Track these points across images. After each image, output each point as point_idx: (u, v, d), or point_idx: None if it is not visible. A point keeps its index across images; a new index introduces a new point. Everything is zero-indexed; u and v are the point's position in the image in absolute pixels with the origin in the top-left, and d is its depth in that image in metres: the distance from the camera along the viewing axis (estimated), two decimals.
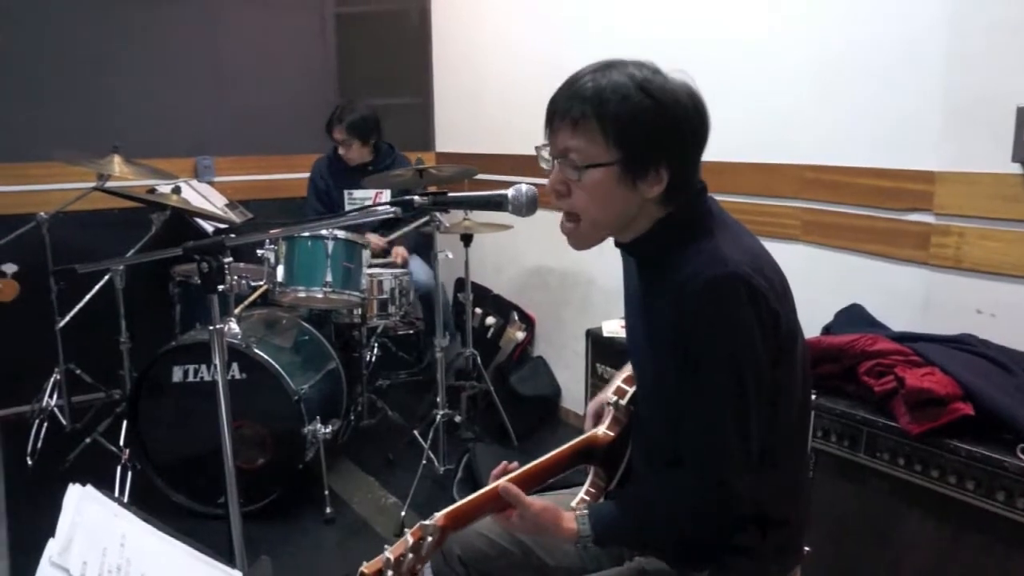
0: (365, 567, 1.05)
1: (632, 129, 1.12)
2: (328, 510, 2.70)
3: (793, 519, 1.28)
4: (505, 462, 1.28)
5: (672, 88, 1.14)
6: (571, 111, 1.15)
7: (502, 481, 1.20)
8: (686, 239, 1.17)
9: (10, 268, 2.43)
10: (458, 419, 3.07)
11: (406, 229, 3.24)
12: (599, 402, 1.46)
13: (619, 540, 1.25)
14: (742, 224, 1.25)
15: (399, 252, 3.47)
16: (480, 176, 3.20)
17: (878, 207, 2.26)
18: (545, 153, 1.21)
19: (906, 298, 2.19)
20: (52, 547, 0.93)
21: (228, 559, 1.24)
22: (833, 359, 1.97)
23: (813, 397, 1.83)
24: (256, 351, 2.59)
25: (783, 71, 2.49)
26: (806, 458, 1.32)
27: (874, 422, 1.84)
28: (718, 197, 1.27)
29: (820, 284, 2.31)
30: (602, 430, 1.31)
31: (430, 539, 1.10)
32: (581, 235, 1.22)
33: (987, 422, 1.70)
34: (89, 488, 1.09)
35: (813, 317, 2.07)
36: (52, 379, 3.13)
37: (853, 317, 2.22)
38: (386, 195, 3.25)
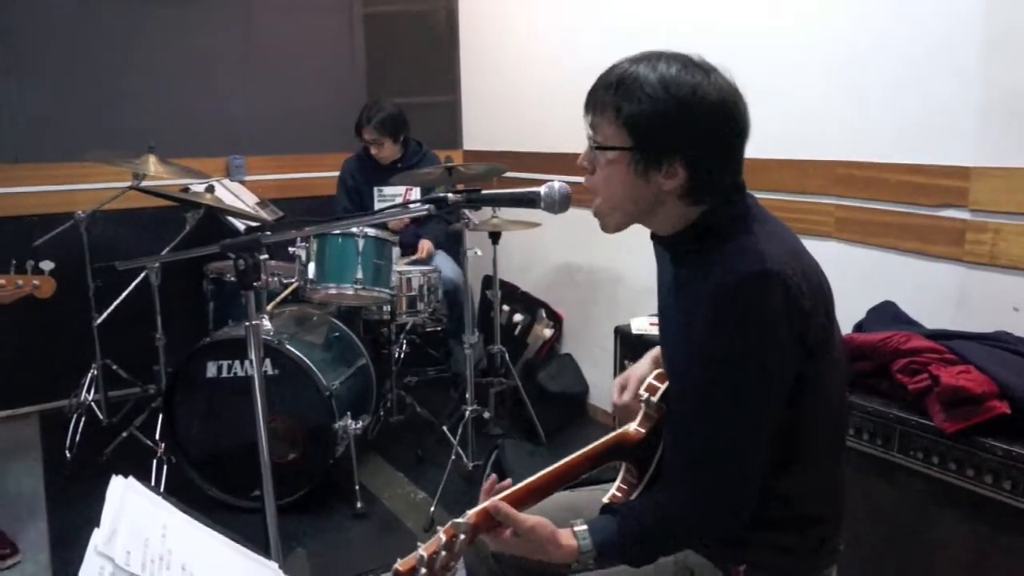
0: (399, 564, 1.06)
1: (643, 121, 1.14)
2: (359, 505, 2.73)
3: (830, 517, 1.27)
4: (494, 476, 1.25)
5: (697, 85, 1.13)
6: (596, 94, 1.19)
7: (493, 500, 1.17)
8: (724, 236, 1.17)
9: (47, 265, 2.48)
10: (486, 415, 3.08)
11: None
12: (625, 376, 1.47)
13: (622, 555, 1.20)
14: (783, 222, 1.25)
15: (424, 245, 3.49)
16: (508, 174, 3.21)
17: (911, 203, 2.23)
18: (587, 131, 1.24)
19: (940, 295, 2.16)
20: (97, 537, 0.95)
21: (263, 551, 1.26)
22: (866, 357, 1.95)
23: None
24: (288, 347, 2.63)
25: (813, 65, 2.47)
26: (843, 456, 1.31)
27: (908, 420, 1.82)
28: None
29: (852, 281, 2.29)
30: (633, 427, 1.31)
31: (462, 537, 1.11)
32: (600, 213, 1.24)
33: None
34: (131, 480, 1.12)
35: (845, 314, 2.03)
36: (90, 374, 3.20)
37: (886, 314, 2.19)
38: (415, 192, 3.27)
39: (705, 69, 1.16)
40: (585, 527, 1.18)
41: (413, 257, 3.47)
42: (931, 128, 2.16)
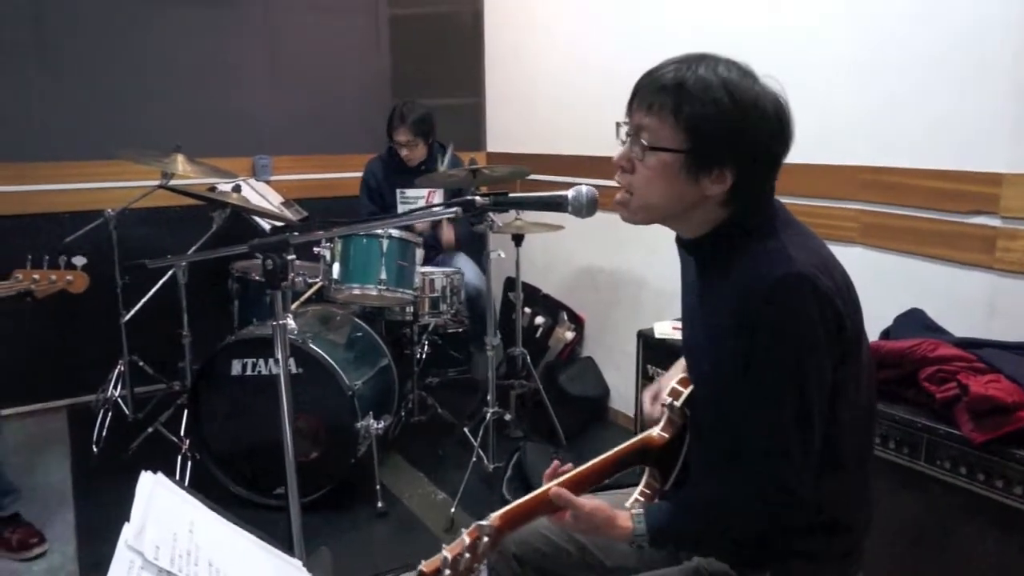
0: (424, 566, 1.07)
1: (704, 125, 1.12)
2: (380, 504, 2.75)
3: (858, 525, 1.27)
4: (556, 461, 1.28)
5: (756, 93, 1.14)
6: (649, 96, 1.16)
7: (553, 486, 1.21)
8: (751, 239, 1.17)
9: (80, 261, 2.53)
10: (507, 417, 3.08)
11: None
12: (656, 386, 1.47)
13: (674, 541, 1.25)
14: (808, 227, 1.24)
15: (448, 235, 3.51)
16: (531, 176, 3.21)
17: (940, 209, 2.20)
18: (623, 130, 1.22)
19: (970, 303, 2.14)
20: (127, 531, 0.96)
21: (286, 549, 1.27)
22: (893, 364, 1.93)
23: None
24: (312, 347, 2.65)
25: (839, 68, 2.45)
26: (871, 463, 1.30)
27: (935, 429, 1.80)
28: None
29: (879, 288, 2.26)
30: (657, 432, 1.32)
31: (486, 539, 1.11)
32: (631, 209, 1.23)
33: None
34: (160, 476, 1.13)
35: (871, 322, 2.01)
36: (116, 370, 3.24)
37: (913, 322, 2.17)
38: (439, 194, 3.28)
39: (753, 76, 1.16)
40: (641, 511, 1.21)
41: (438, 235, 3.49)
42: (961, 133, 2.14)
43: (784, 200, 1.26)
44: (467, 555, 1.09)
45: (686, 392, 1.31)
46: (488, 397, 2.90)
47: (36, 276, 2.41)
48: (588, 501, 1.20)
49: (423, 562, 1.08)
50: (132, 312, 3.11)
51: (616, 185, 1.24)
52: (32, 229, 3.41)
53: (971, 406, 1.72)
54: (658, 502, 1.26)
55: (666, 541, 1.23)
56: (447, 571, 1.07)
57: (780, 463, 1.15)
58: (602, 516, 1.20)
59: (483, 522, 1.13)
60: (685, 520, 1.21)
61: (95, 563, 2.43)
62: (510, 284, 3.93)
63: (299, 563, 1.22)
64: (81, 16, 3.46)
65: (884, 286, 2.30)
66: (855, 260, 2.37)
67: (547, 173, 3.62)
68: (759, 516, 1.19)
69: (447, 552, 1.08)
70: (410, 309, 3.16)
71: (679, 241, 1.29)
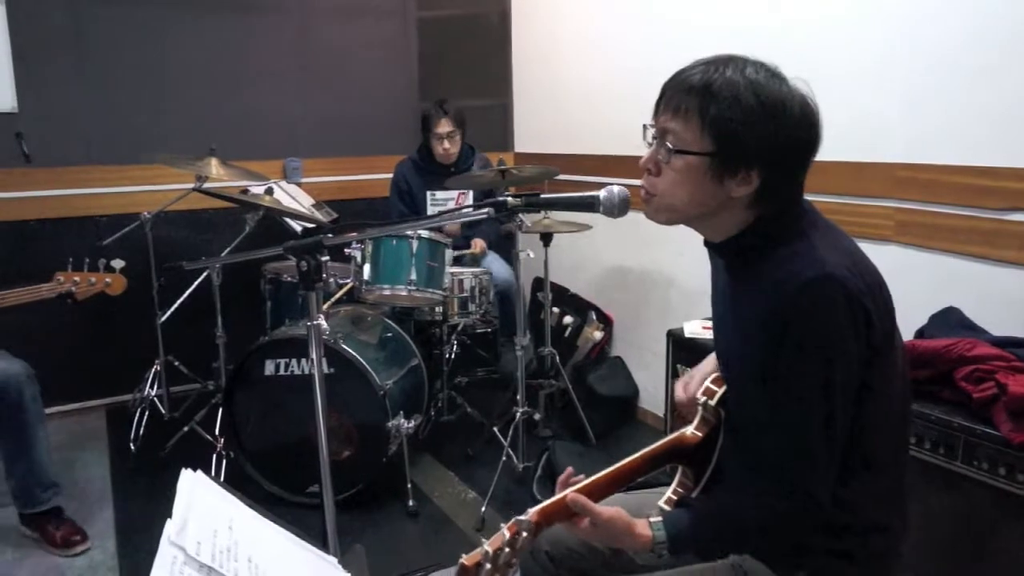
0: (465, 559, 1.08)
1: (730, 127, 1.12)
2: (411, 503, 2.77)
3: (894, 526, 1.25)
4: (570, 469, 1.26)
5: (784, 95, 1.13)
6: (676, 99, 1.16)
7: (571, 492, 1.19)
8: (780, 241, 1.16)
9: (118, 264, 2.59)
10: (537, 417, 3.09)
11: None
12: (688, 374, 1.47)
13: (695, 548, 1.22)
14: (838, 227, 1.23)
15: (478, 243, 3.52)
16: (559, 176, 3.21)
17: (977, 206, 2.17)
18: (650, 133, 1.22)
19: (1007, 301, 2.10)
20: (170, 527, 0.99)
21: (320, 546, 1.29)
22: (928, 364, 1.91)
23: None
24: (344, 347, 2.68)
25: (872, 64, 2.42)
26: (906, 464, 1.29)
27: (972, 429, 1.77)
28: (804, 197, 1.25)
29: (914, 286, 2.24)
30: (690, 430, 1.31)
31: (525, 534, 1.12)
32: (654, 208, 1.23)
33: None
34: (199, 473, 1.16)
35: (906, 320, 1.99)
36: (153, 370, 3.30)
37: (949, 321, 2.14)
38: (469, 196, 3.30)
39: (781, 77, 1.15)
40: (660, 518, 1.19)
41: (467, 252, 3.50)
42: (999, 129, 2.10)
43: (816, 198, 1.25)
44: (507, 549, 1.10)
45: (720, 392, 1.31)
46: (518, 397, 2.91)
47: (76, 279, 2.47)
48: (606, 509, 1.18)
49: (463, 556, 1.09)
50: (168, 313, 3.17)
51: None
52: (71, 232, 3.49)
53: (1009, 405, 1.70)
54: (677, 509, 1.25)
55: (687, 548, 1.21)
56: (487, 565, 1.08)
57: (804, 467, 1.14)
58: (621, 524, 1.18)
59: (522, 517, 1.13)
60: (705, 526, 1.19)
61: (134, 558, 2.48)
62: (538, 284, 3.93)
63: (334, 560, 1.24)
64: (119, 27, 3.54)
65: (919, 284, 2.27)
66: (889, 258, 2.34)
67: (575, 173, 3.62)
68: (779, 521, 1.18)
69: (488, 546, 1.09)
70: (439, 309, 3.18)
71: (707, 244, 1.29)
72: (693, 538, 1.19)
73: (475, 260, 3.56)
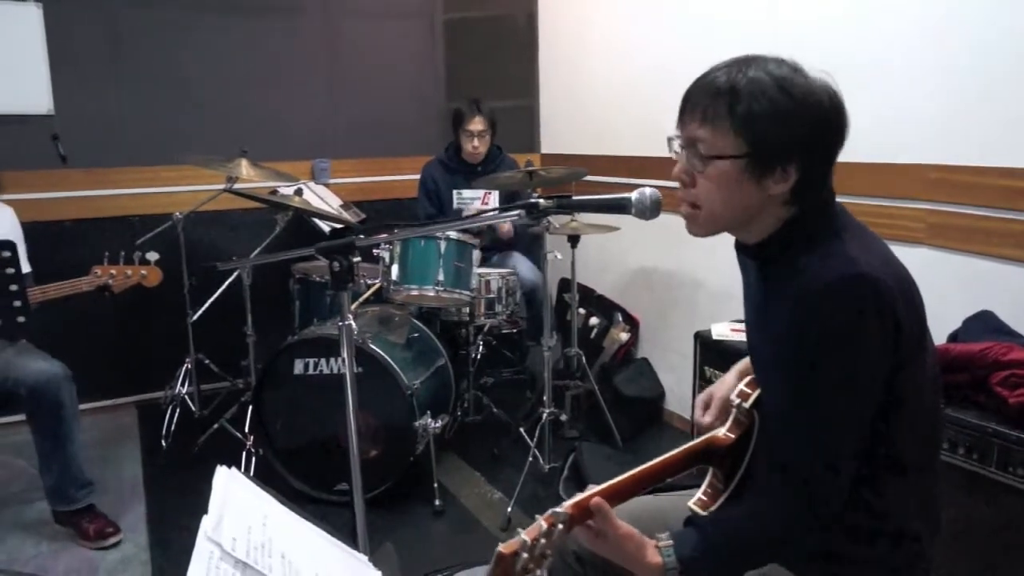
0: (503, 547, 1.08)
1: (764, 125, 1.11)
2: (437, 503, 2.78)
3: (925, 532, 1.24)
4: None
5: (811, 87, 1.13)
6: (702, 103, 1.15)
7: (597, 496, 1.17)
8: (813, 241, 1.16)
9: (153, 256, 2.64)
10: (563, 418, 3.09)
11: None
12: (708, 393, 1.46)
13: (706, 569, 1.19)
14: (870, 228, 1.22)
15: (505, 225, 3.53)
16: (586, 177, 3.21)
17: (1011, 208, 2.13)
18: (676, 143, 1.21)
19: None
20: (206, 523, 1.01)
21: (350, 544, 1.30)
22: (962, 368, 1.89)
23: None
24: (372, 347, 2.70)
25: (904, 64, 2.39)
26: (938, 469, 1.27)
27: (1007, 435, 1.74)
28: None
29: (947, 290, 2.21)
30: (723, 432, 1.31)
31: (560, 526, 1.13)
32: (699, 224, 1.22)
33: None
34: (233, 470, 1.18)
35: (938, 324, 1.97)
36: (184, 368, 3.35)
37: (984, 324, 2.11)
38: (494, 196, 3.31)
39: (803, 71, 1.15)
40: (670, 542, 1.17)
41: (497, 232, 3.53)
42: None
43: (847, 200, 1.24)
44: (543, 540, 1.10)
45: (754, 394, 1.30)
46: (544, 397, 2.91)
47: (113, 271, 2.53)
48: (623, 524, 1.17)
49: (500, 544, 1.09)
50: (199, 312, 3.22)
51: (674, 186, 1.23)
52: (105, 232, 3.55)
53: None
54: (684, 530, 1.23)
55: (699, 571, 1.18)
56: (524, 554, 1.08)
57: (820, 467, 1.14)
58: (633, 545, 1.17)
59: (558, 509, 1.14)
60: (716, 548, 1.17)
61: (166, 552, 2.53)
62: (565, 285, 3.93)
63: (365, 558, 1.26)
64: (152, 31, 3.61)
65: (952, 288, 2.24)
66: (921, 261, 2.31)
67: (602, 174, 3.61)
68: (792, 531, 1.17)
69: (525, 536, 1.09)
70: (466, 310, 3.20)
71: (739, 247, 1.28)
72: (703, 560, 1.17)
73: (496, 242, 3.59)
